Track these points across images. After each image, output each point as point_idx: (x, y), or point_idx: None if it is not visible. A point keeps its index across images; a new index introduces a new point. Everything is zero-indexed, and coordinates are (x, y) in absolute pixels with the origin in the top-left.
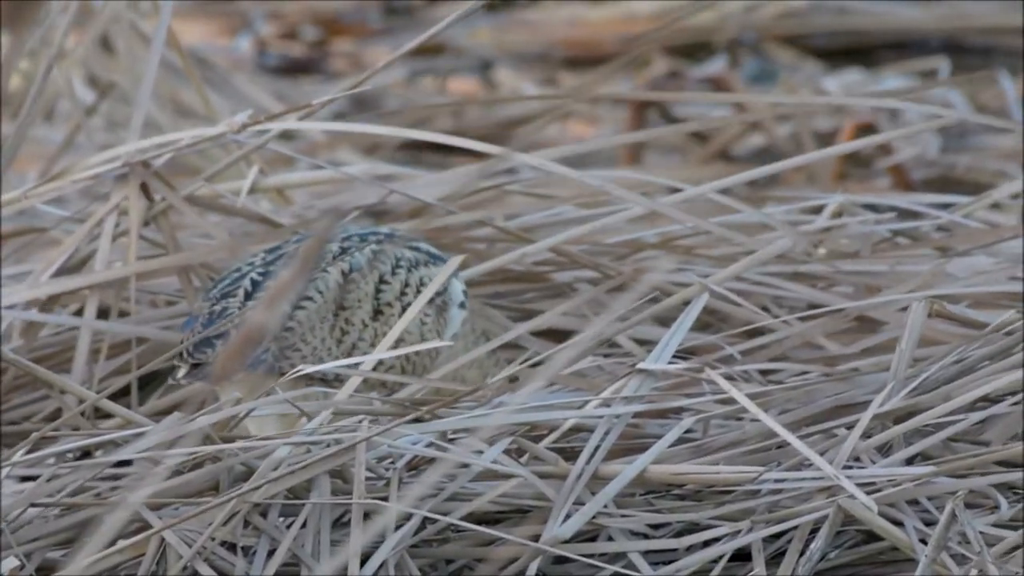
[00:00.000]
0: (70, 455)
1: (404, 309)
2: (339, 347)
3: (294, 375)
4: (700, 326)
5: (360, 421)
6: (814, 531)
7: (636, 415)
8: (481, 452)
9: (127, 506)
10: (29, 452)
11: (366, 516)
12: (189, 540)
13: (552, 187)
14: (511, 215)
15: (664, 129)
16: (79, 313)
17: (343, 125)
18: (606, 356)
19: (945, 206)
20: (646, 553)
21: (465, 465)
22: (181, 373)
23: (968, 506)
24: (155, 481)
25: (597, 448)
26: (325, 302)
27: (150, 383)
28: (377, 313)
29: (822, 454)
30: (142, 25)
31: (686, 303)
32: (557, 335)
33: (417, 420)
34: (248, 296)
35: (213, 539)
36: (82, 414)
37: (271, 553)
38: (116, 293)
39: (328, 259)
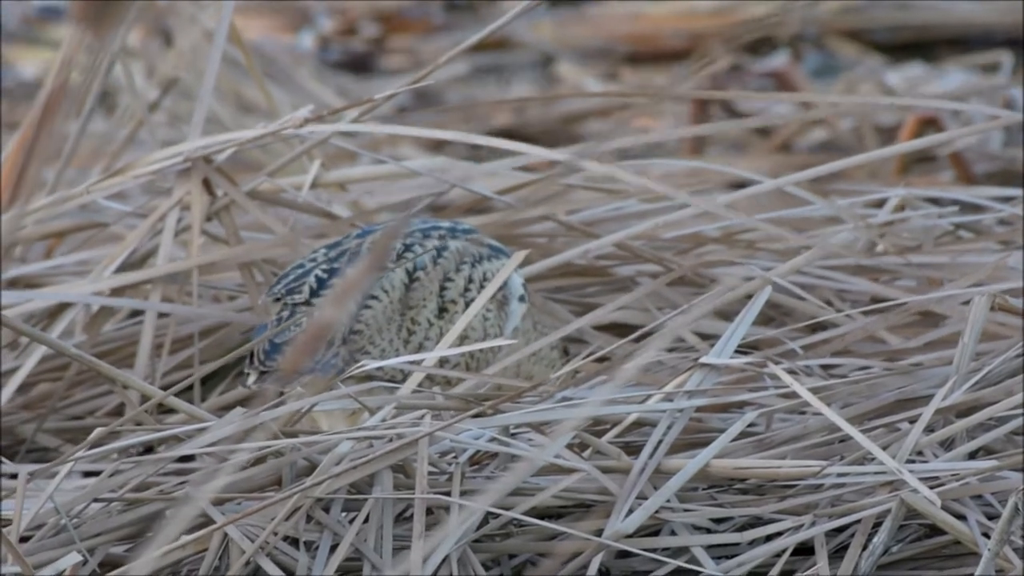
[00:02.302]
0: (133, 450)
1: (468, 305)
2: (406, 347)
3: (358, 372)
4: (763, 320)
5: (423, 416)
6: (877, 525)
7: (699, 409)
8: (544, 447)
9: (196, 501)
10: (92, 447)
11: (429, 511)
12: (252, 535)
13: (614, 182)
14: (573, 210)
15: (728, 124)
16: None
17: (402, 128)
18: (669, 350)
19: (1007, 199)
20: (709, 547)
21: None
22: (251, 379)
23: None
24: (226, 475)
25: (660, 442)
26: (391, 302)
27: (213, 378)
28: (442, 311)
29: (885, 448)
30: (204, 20)
31: (749, 297)
32: (620, 329)
33: (479, 415)
34: (313, 294)
35: (276, 534)
36: (145, 410)
37: (333, 548)
38: (179, 288)
39: (392, 257)
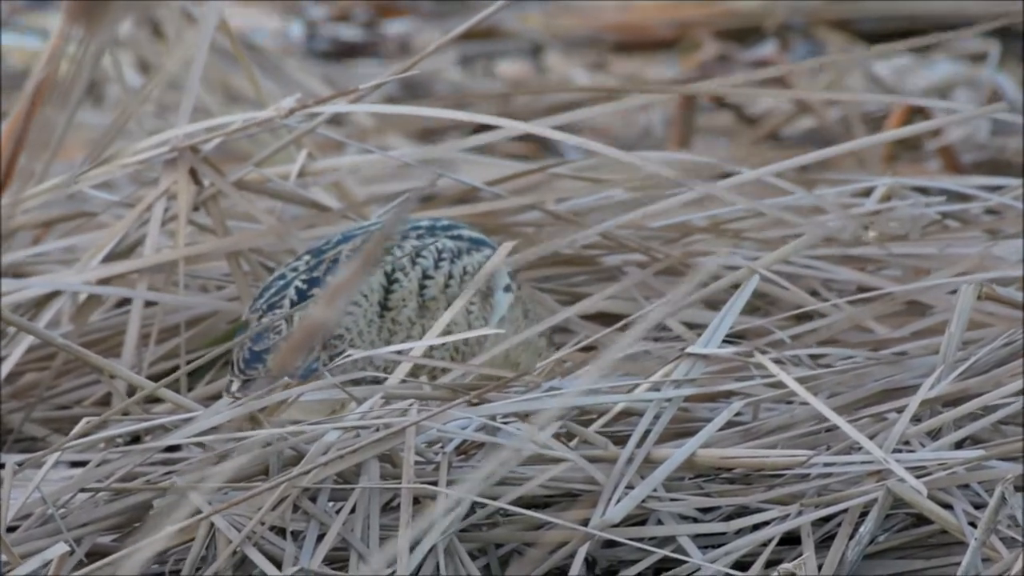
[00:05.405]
0: (120, 440)
1: (449, 301)
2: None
3: (343, 363)
4: (750, 310)
5: (409, 405)
6: (863, 515)
7: (686, 399)
8: (530, 436)
9: (183, 491)
10: (79, 437)
11: (415, 500)
12: (238, 525)
13: (601, 171)
14: (560, 199)
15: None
16: (128, 298)
17: (389, 108)
18: (656, 340)
19: (995, 188)
20: (695, 537)
21: (515, 449)
22: (235, 387)
23: (1017, 489)
24: (214, 464)
25: (647, 432)
26: (371, 305)
27: (199, 367)
28: (423, 309)
29: (871, 438)
30: (192, 9)
31: (736, 287)
32: (606, 318)
33: (467, 404)
34: (293, 306)
35: (262, 524)
36: (136, 402)
37: (320, 538)
38: (165, 278)
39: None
